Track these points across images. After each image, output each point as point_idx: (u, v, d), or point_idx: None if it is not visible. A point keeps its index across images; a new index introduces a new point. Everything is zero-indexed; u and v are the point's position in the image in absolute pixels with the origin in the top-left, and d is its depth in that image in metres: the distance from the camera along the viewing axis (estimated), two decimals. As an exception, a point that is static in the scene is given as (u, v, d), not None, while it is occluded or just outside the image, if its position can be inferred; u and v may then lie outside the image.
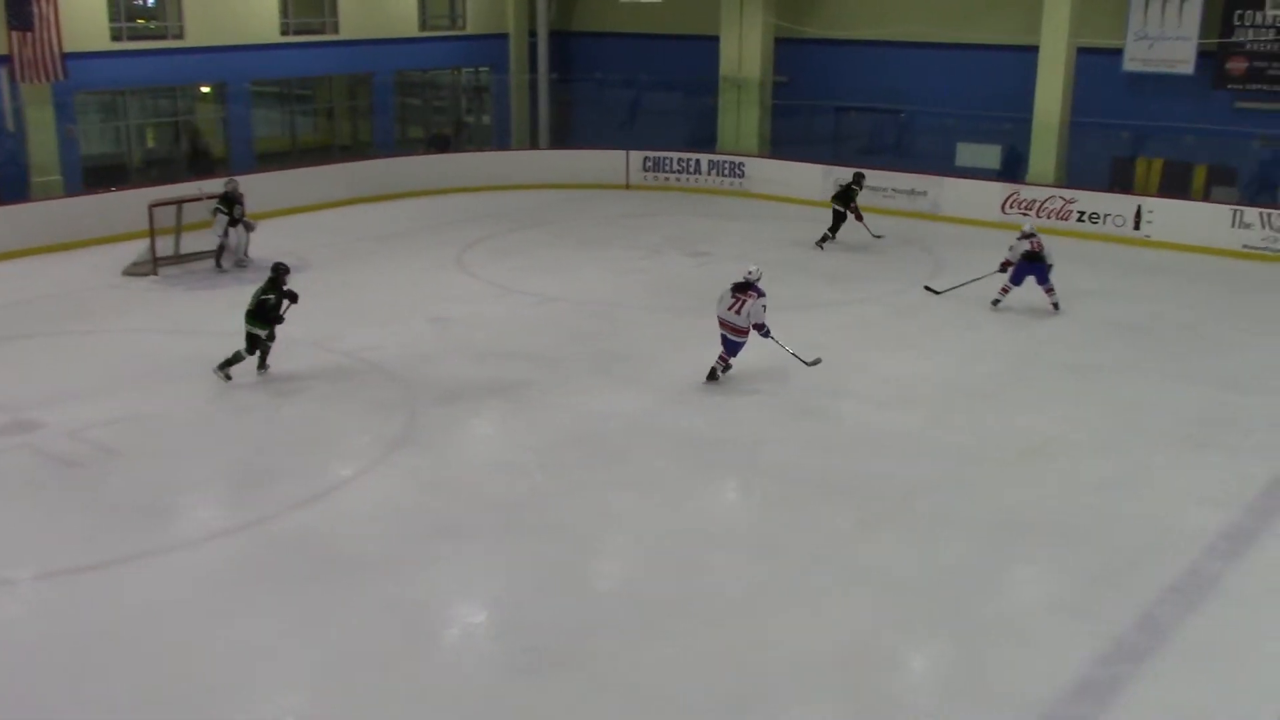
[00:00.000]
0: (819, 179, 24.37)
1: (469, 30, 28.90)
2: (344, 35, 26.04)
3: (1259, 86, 21.81)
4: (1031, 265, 16.50)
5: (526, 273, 18.88)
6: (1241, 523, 10.59)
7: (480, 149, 29.03)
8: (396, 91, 28.09)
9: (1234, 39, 21.77)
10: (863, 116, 26.19)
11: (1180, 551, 9.97)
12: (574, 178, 25.94)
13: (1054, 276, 16.70)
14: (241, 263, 18.78)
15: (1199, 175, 22.34)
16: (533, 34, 28.46)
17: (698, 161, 26.03)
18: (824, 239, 20.75)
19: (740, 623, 8.89)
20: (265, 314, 13.28)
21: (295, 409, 13.07)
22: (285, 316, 13.45)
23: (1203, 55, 21.89)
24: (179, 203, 18.83)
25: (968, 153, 24.49)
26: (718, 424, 12.78)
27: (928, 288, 17.88)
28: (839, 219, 20.66)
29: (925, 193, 23.22)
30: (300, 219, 22.24)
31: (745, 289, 13.42)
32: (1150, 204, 21.51)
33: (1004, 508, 10.81)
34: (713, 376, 13.77)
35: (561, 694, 8.01)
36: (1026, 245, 16.47)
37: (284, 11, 24.86)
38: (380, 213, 23.32)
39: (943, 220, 22.80)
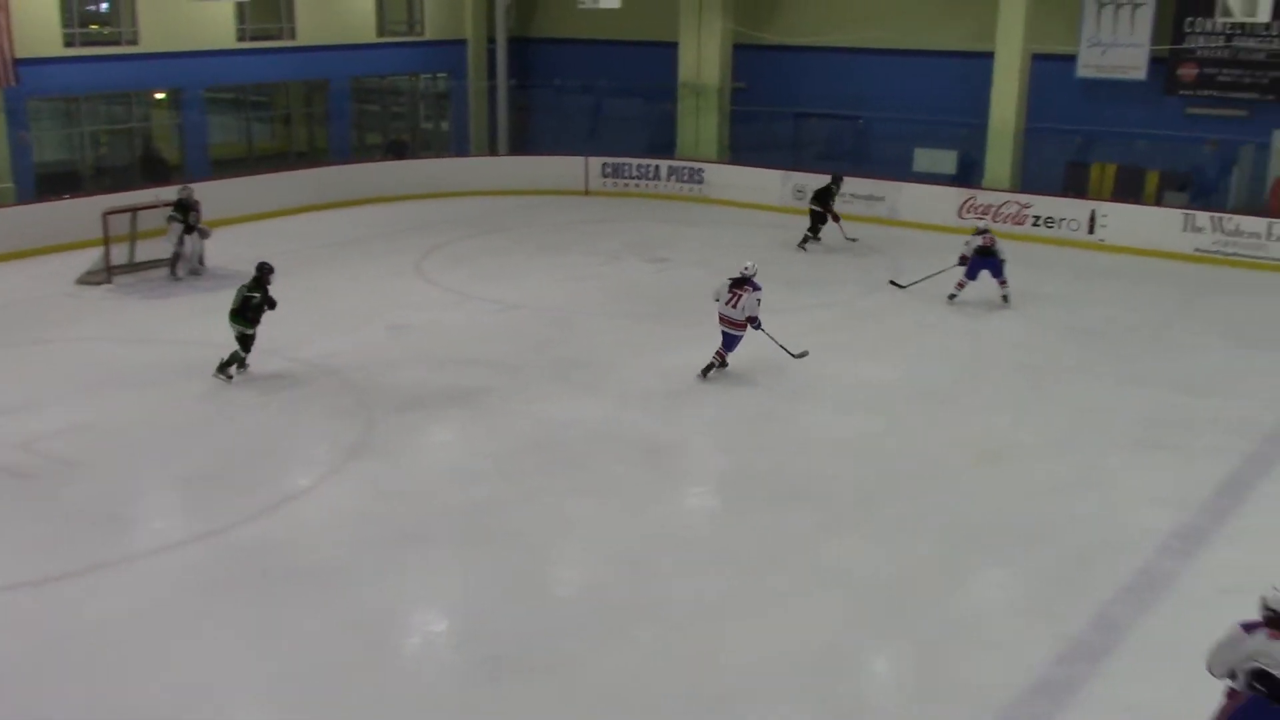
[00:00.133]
0: (778, 184, 24.52)
1: (427, 36, 28.77)
2: (301, 41, 25.83)
3: (1209, 92, 22.11)
4: (985, 260, 17.18)
5: (485, 279, 18.84)
6: (1194, 522, 10.73)
7: (439, 155, 28.92)
8: (354, 98, 27.92)
9: (1185, 45, 22.07)
10: (821, 122, 26.30)
11: (1135, 551, 10.09)
12: (533, 184, 25.90)
13: (1010, 279, 17.31)
14: (196, 271, 18.62)
15: (1151, 180, 22.60)
16: (491, 40, 28.39)
17: (657, 168, 26.07)
18: (805, 240, 21.00)
19: (702, 627, 8.90)
20: (249, 312, 13.46)
21: (253, 417, 12.97)
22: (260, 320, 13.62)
23: (1155, 61, 22.18)
24: (133, 210, 18.62)
25: (925, 158, 24.66)
26: (677, 430, 12.81)
27: (892, 282, 18.23)
28: (818, 219, 20.91)
29: (883, 198, 23.37)
30: (257, 226, 22.08)
31: (742, 284, 13.83)
32: (1104, 208, 21.75)
33: (961, 510, 10.89)
34: (708, 370, 14.04)
35: (523, 702, 8.00)
36: (980, 241, 17.16)
37: (240, 17, 24.62)
38: (338, 220, 23.19)
39: (900, 225, 22.95)
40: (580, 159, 26.28)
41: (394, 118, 30.19)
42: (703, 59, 26.62)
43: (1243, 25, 20.91)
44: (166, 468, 11.64)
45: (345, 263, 19.76)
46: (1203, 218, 20.81)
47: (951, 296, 17.44)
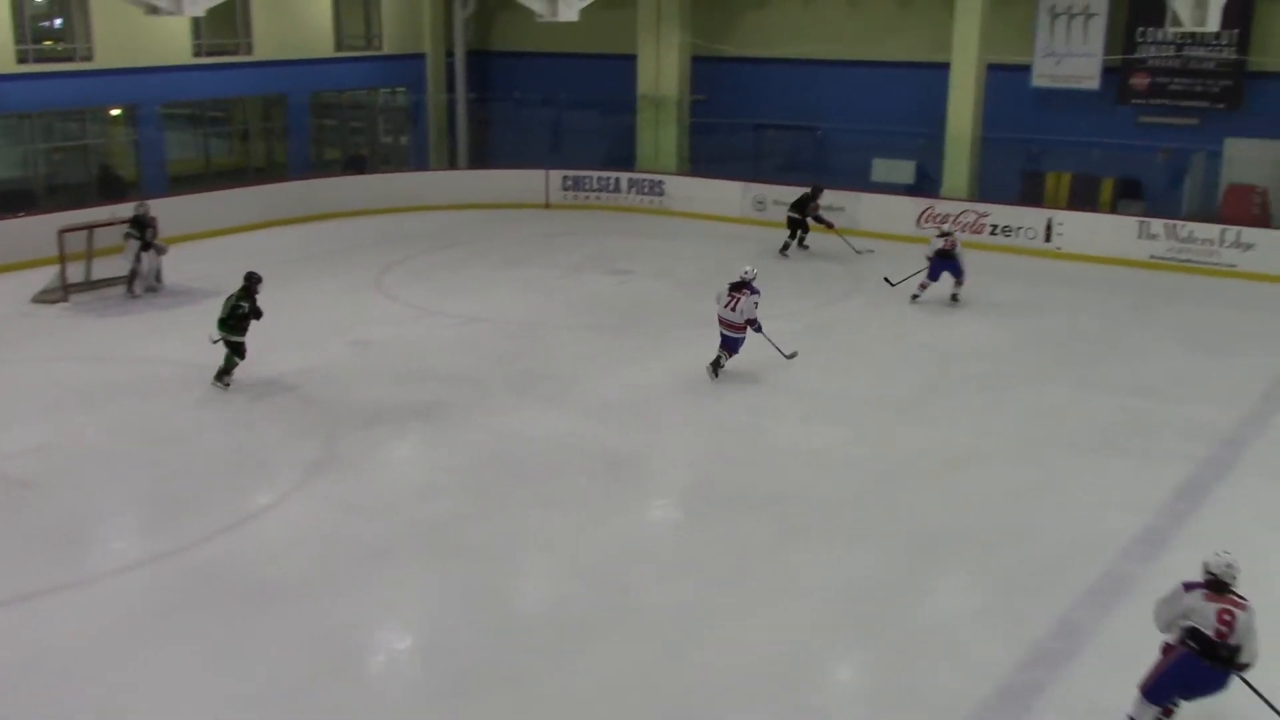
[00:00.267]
0: (738, 196, 24.61)
1: (386, 50, 28.69)
2: (258, 56, 25.68)
3: (1161, 101, 22.43)
4: (946, 262, 17.86)
5: (447, 294, 18.78)
6: (1154, 526, 10.84)
7: (398, 170, 28.83)
8: (312, 112, 27.79)
9: (1137, 55, 22.37)
10: (781, 134, 26.40)
11: (1096, 556, 10.19)
12: (493, 197, 25.84)
13: (969, 286, 17.90)
14: (153, 288, 18.45)
15: (1106, 188, 22.85)
16: (450, 54, 28.33)
17: (617, 180, 26.10)
18: (785, 247, 21.41)
19: (667, 638, 8.90)
20: (234, 320, 13.69)
21: (214, 435, 12.86)
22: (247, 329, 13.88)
23: (1107, 71, 22.50)
24: (90, 228, 18.44)
25: (883, 168, 24.84)
26: (640, 441, 12.80)
27: (886, 279, 18.69)
28: (795, 225, 21.28)
29: (843, 208, 23.48)
30: (215, 242, 21.91)
31: (740, 288, 14.21)
32: (1060, 216, 21.98)
33: (924, 518, 10.96)
34: (716, 368, 14.35)
35: (489, 716, 7.97)
36: (941, 243, 17.78)
37: (196, 32, 24.43)
38: (297, 235, 23.05)
39: (860, 234, 23.04)
40: (541, 172, 26.26)
41: (353, 132, 30.04)
42: (661, 71, 26.70)
43: (1193, 35, 21.23)
44: (126, 487, 11.52)
45: (306, 279, 19.62)
46: (1157, 225, 21.07)
47: (914, 297, 18.07)
